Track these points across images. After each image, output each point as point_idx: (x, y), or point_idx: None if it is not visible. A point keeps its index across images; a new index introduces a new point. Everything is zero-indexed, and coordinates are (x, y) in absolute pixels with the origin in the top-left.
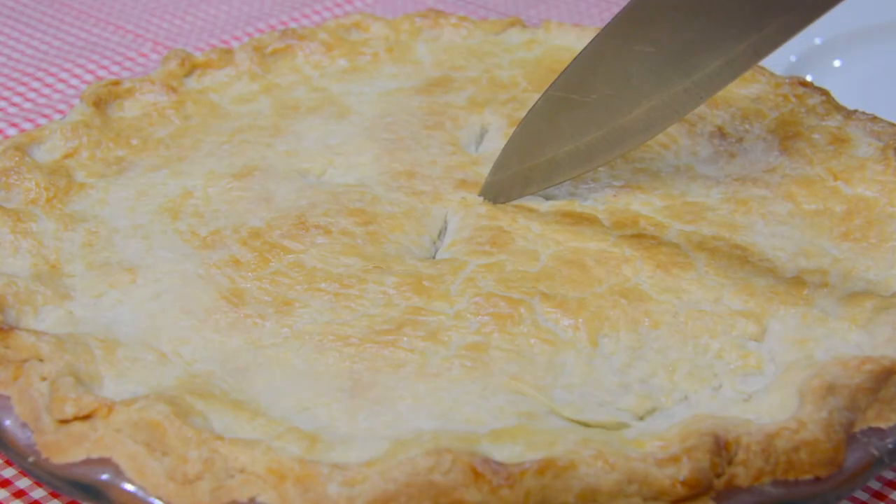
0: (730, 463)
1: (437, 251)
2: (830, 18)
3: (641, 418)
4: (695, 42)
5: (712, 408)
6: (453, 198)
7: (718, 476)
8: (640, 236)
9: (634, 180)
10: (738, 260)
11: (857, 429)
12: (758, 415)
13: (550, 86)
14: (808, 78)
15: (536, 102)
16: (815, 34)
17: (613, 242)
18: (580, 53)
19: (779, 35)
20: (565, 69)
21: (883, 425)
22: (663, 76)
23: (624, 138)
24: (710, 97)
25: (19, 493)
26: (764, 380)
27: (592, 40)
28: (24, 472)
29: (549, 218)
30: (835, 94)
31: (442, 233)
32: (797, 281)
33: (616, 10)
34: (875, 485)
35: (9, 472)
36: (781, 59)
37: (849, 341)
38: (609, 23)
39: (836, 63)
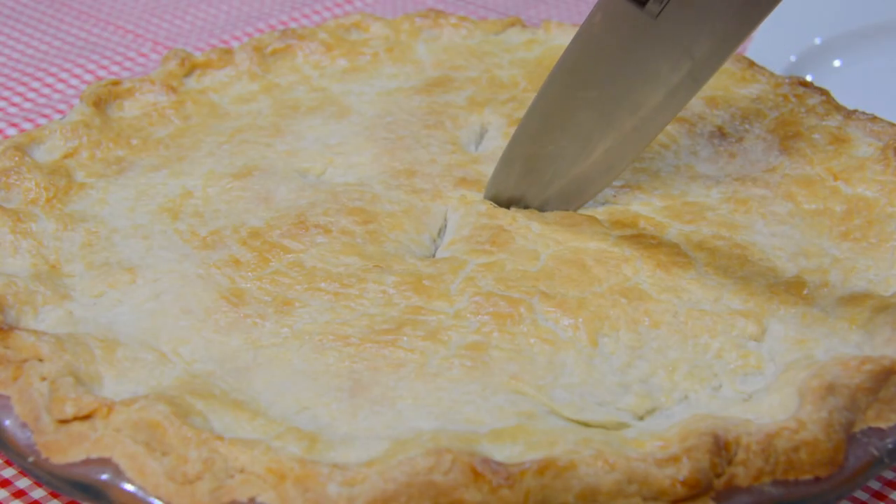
0: (730, 463)
1: (437, 249)
2: (830, 19)
3: (641, 418)
4: (634, 79)
5: (712, 407)
6: (453, 195)
7: (718, 476)
8: (639, 236)
9: (634, 180)
10: (738, 260)
11: (856, 429)
12: (757, 414)
13: (513, 139)
14: (809, 78)
15: (503, 154)
16: (814, 34)
17: (613, 242)
18: (531, 105)
19: (713, 58)
20: (521, 123)
21: (883, 425)
22: (611, 117)
23: (587, 185)
24: (660, 130)
25: (19, 493)
26: (764, 379)
27: (540, 92)
28: (24, 472)
29: (549, 218)
30: (835, 93)
31: (442, 231)
32: (797, 281)
33: None
34: (875, 485)
35: (9, 472)
36: (781, 59)
37: (848, 341)
38: (550, 73)
39: (836, 63)
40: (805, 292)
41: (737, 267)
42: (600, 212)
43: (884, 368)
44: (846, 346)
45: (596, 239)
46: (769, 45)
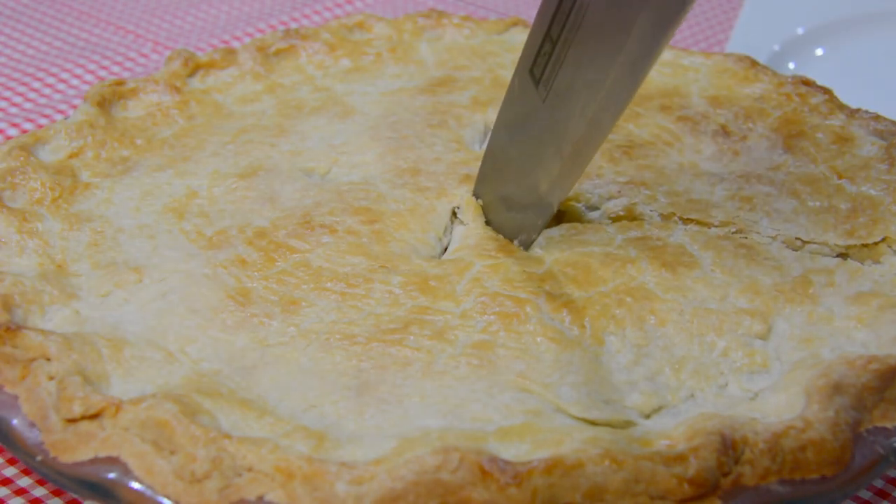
0: (736, 462)
1: (443, 249)
2: (813, 8)
3: (648, 416)
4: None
5: (718, 406)
6: (458, 192)
7: (725, 475)
8: (645, 238)
9: (639, 176)
10: (744, 259)
11: (862, 428)
12: (764, 413)
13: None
14: (791, 66)
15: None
16: (797, 24)
17: (619, 245)
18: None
19: (588, 139)
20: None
21: (889, 424)
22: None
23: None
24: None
25: (20, 492)
26: (770, 378)
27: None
28: (30, 471)
29: (553, 233)
30: (817, 82)
31: (448, 229)
32: (803, 280)
33: None
34: (878, 482)
35: (10, 472)
36: (764, 49)
37: (855, 340)
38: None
39: (819, 52)
40: (811, 291)
41: (743, 266)
42: (605, 209)
43: (890, 368)
44: (852, 345)
45: (601, 243)
46: (752, 34)
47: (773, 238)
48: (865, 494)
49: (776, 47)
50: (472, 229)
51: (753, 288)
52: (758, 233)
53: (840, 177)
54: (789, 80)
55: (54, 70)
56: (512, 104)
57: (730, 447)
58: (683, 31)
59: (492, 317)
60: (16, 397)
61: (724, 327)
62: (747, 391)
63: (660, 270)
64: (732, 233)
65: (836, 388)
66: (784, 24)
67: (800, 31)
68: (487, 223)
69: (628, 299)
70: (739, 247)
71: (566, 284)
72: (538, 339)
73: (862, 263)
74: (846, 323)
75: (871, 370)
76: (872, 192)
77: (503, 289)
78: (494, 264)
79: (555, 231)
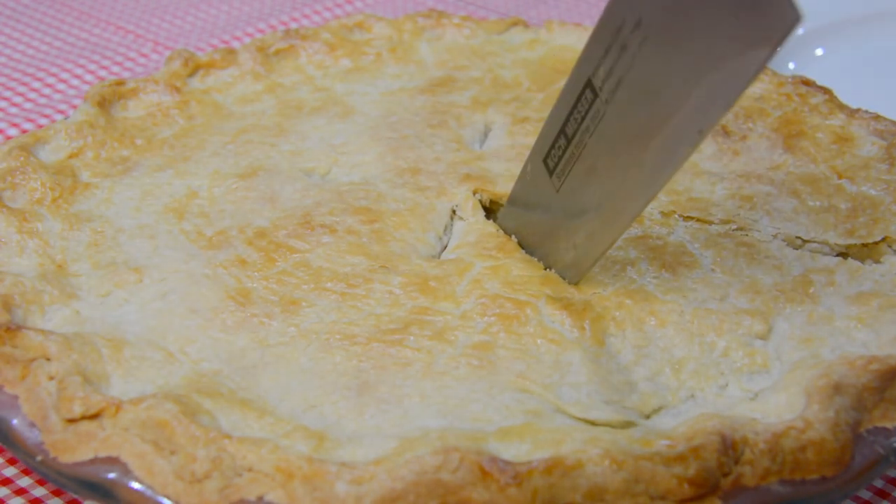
0: (736, 462)
1: (443, 248)
2: (813, 8)
3: (648, 417)
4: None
5: (718, 406)
6: (458, 191)
7: (725, 475)
8: (645, 237)
9: None
10: (745, 258)
11: (862, 428)
12: (764, 413)
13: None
14: (791, 66)
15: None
16: None
17: (619, 245)
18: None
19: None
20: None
21: (888, 424)
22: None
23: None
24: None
25: (20, 492)
26: (770, 378)
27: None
28: (31, 471)
29: None
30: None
31: (448, 228)
32: (804, 279)
33: None
34: (878, 482)
35: (10, 472)
36: None
37: (855, 340)
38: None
39: (819, 52)
40: (811, 291)
41: (743, 265)
42: None
43: (890, 368)
44: (852, 345)
45: None
46: None
47: (774, 236)
48: (865, 494)
49: None
50: (472, 225)
51: (754, 288)
52: (758, 231)
53: (840, 176)
54: (789, 80)
55: (54, 70)
56: (525, 186)
57: (730, 447)
58: None
59: (492, 318)
60: (16, 397)
61: (724, 327)
62: (747, 391)
63: (660, 271)
64: (733, 230)
65: (837, 389)
66: None
67: (800, 31)
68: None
69: (628, 301)
70: (740, 245)
71: (566, 288)
72: (538, 341)
73: (862, 263)
74: (846, 323)
75: (872, 370)
76: (872, 192)
77: (503, 291)
78: (495, 266)
79: None
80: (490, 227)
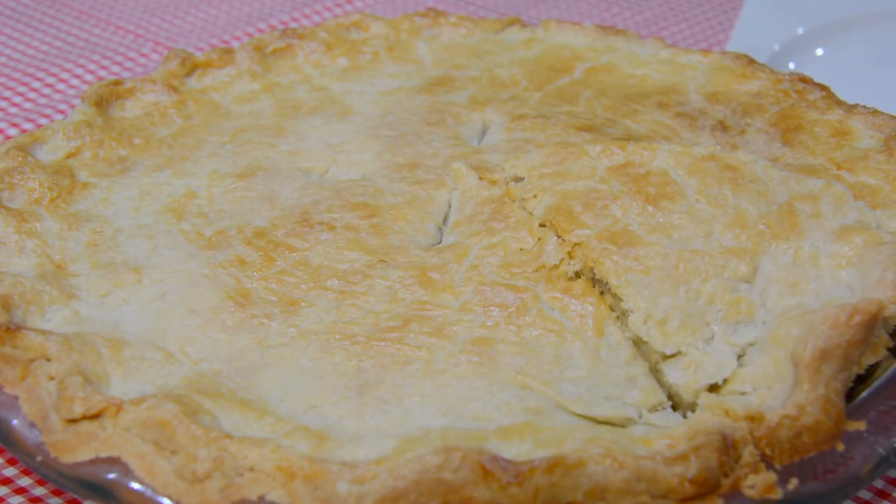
0: (737, 462)
1: (442, 236)
2: (813, 8)
3: (648, 413)
4: None
5: (707, 367)
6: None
7: (726, 475)
8: (627, 165)
9: None
10: (730, 183)
11: (852, 378)
12: (754, 384)
13: None
14: (791, 66)
15: None
16: (797, 24)
17: (601, 178)
18: None
19: None
20: None
21: (889, 424)
22: None
23: None
24: None
25: (20, 491)
26: (755, 329)
27: None
28: (31, 471)
29: (534, 159)
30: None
31: (447, 217)
32: (789, 210)
33: (616, 10)
34: (878, 483)
35: (10, 472)
36: (765, 48)
37: (840, 281)
38: None
39: (819, 52)
40: (797, 222)
41: (728, 193)
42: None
43: (872, 315)
44: (838, 288)
45: (583, 177)
46: (752, 34)
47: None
48: (865, 494)
49: (776, 47)
50: (466, 193)
51: (739, 221)
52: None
53: (839, 168)
54: (787, 76)
55: (54, 70)
56: None
57: (731, 447)
58: (683, 32)
59: (491, 309)
60: (16, 397)
61: (709, 271)
62: (733, 345)
63: (644, 207)
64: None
65: (823, 357)
66: (784, 24)
67: (800, 31)
68: None
69: (612, 247)
70: (725, 169)
71: (559, 248)
72: (537, 332)
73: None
74: (832, 262)
75: (855, 325)
76: (871, 181)
77: (501, 276)
78: (491, 244)
79: (536, 158)
80: (484, 188)
